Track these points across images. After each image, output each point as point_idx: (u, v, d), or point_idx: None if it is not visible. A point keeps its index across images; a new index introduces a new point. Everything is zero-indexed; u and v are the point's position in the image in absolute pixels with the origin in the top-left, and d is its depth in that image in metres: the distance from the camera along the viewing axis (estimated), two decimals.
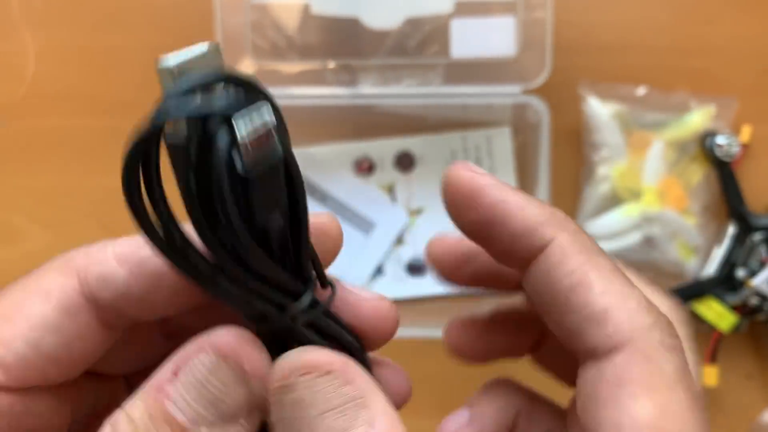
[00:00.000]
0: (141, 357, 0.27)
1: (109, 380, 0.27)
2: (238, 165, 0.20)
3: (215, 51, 0.20)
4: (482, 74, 0.57)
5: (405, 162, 0.62)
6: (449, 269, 0.30)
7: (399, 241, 0.62)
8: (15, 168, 0.64)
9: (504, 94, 0.58)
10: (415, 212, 0.62)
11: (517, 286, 0.30)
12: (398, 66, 0.57)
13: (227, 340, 0.22)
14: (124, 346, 0.26)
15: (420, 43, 0.57)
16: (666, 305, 0.27)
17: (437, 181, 0.61)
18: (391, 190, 0.62)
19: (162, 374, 0.22)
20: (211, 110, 0.19)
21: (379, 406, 0.22)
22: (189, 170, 0.20)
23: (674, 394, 0.22)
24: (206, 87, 0.19)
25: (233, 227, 0.20)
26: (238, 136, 0.19)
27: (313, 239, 0.24)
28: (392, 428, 0.22)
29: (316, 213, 0.25)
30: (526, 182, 0.62)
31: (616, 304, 0.23)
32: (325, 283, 0.25)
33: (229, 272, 0.22)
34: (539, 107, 0.57)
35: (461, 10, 0.56)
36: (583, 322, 0.23)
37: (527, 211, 0.25)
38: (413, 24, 0.56)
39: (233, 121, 0.19)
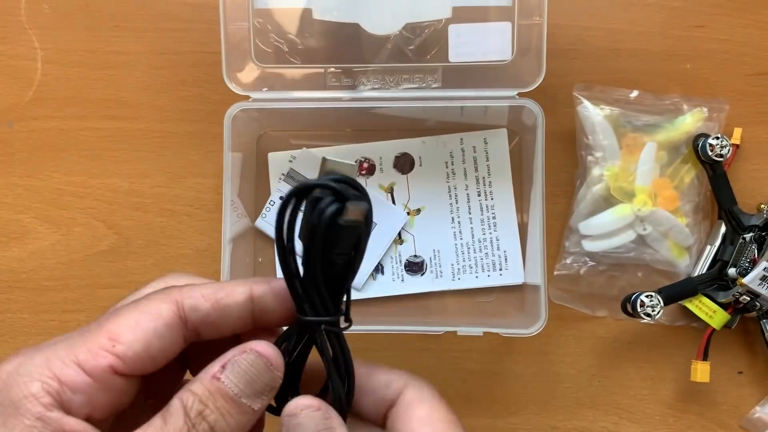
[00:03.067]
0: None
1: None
2: (341, 218, 0.33)
3: (353, 167, 0.36)
4: (479, 78, 0.57)
5: (404, 163, 0.62)
6: None
7: (398, 240, 0.62)
8: (23, 169, 0.64)
9: (500, 97, 0.58)
10: (415, 212, 0.62)
11: None
12: (398, 70, 0.57)
13: (263, 347, 0.35)
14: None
15: (419, 48, 0.57)
16: None
17: (436, 182, 0.62)
18: (390, 190, 0.63)
19: (212, 368, 0.34)
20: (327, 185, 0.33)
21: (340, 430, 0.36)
22: (311, 214, 0.34)
23: None
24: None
25: (312, 247, 0.34)
26: (348, 205, 0.33)
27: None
28: None
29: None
30: (522, 183, 0.62)
31: None
32: (348, 318, 0.38)
33: (302, 278, 0.36)
34: (535, 110, 0.57)
35: (459, 16, 0.56)
36: None
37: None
38: (412, 29, 0.56)
39: (346, 198, 0.33)
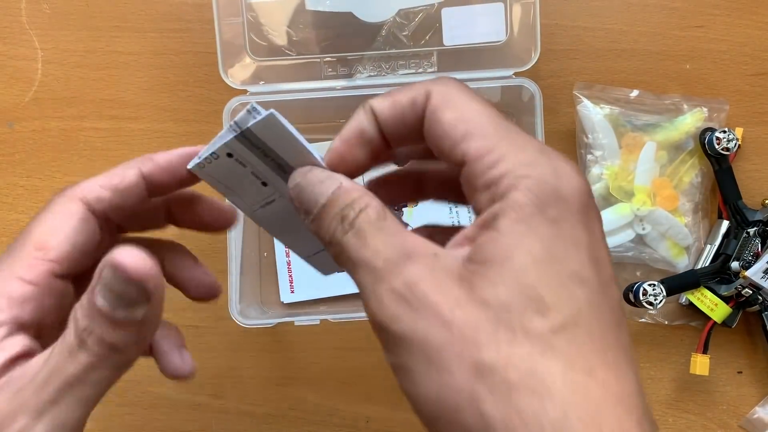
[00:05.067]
0: None
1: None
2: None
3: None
4: (475, 60, 0.57)
5: None
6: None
7: None
8: (23, 169, 0.63)
9: (497, 78, 0.57)
10: (413, 203, 0.61)
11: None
12: (393, 56, 0.56)
13: (119, 257, 0.31)
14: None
15: (413, 33, 0.56)
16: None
17: None
18: None
19: (93, 280, 0.32)
20: None
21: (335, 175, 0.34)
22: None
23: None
24: None
25: None
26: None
27: None
28: (345, 182, 0.33)
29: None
30: None
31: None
32: None
33: None
34: (531, 88, 0.56)
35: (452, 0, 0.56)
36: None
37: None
38: (405, 15, 0.56)
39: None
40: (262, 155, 0.40)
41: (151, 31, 0.63)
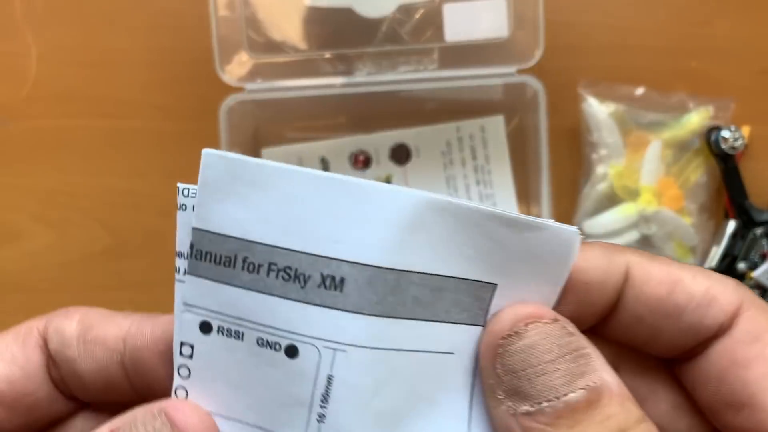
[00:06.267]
0: None
1: None
2: None
3: None
4: (477, 56, 0.56)
5: (401, 154, 0.61)
6: None
7: None
8: (17, 168, 0.62)
9: (499, 74, 0.56)
10: None
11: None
12: (393, 53, 0.56)
13: (182, 411, 0.21)
14: None
15: (414, 30, 0.55)
16: None
17: (433, 172, 0.60)
18: (388, 182, 0.61)
19: None
20: None
21: (599, 358, 0.22)
22: None
23: None
24: None
25: None
26: None
27: None
28: (616, 381, 0.22)
29: None
30: (526, 168, 0.61)
31: None
32: None
33: None
34: (534, 85, 0.55)
35: None
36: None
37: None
38: (406, 10, 0.55)
39: None
40: (254, 279, 0.22)
41: (145, 27, 0.62)
